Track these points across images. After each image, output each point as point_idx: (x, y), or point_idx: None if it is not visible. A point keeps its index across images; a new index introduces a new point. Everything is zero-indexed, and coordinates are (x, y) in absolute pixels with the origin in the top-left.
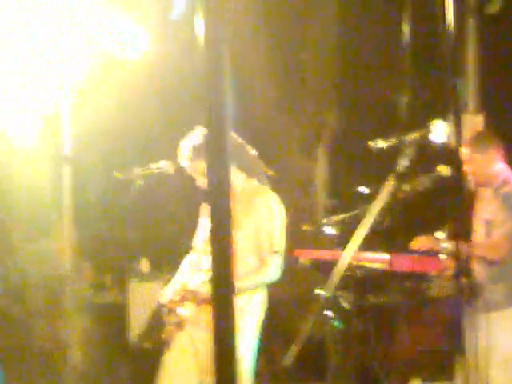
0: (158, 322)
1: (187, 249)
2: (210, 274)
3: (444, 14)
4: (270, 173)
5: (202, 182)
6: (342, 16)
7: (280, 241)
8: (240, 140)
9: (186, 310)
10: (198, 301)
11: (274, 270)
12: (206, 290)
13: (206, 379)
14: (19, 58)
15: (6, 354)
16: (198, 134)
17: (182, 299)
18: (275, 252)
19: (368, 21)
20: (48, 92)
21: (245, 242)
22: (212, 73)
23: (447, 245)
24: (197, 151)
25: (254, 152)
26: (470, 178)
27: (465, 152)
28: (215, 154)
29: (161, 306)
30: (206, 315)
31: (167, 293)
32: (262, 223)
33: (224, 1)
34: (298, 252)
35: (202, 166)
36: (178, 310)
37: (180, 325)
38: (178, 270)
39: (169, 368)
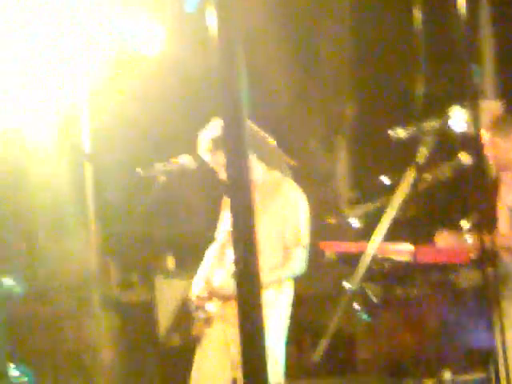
0: (186, 319)
1: (211, 243)
2: (233, 269)
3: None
4: (293, 163)
5: (223, 174)
6: (356, 7)
7: (305, 233)
8: (260, 131)
9: (214, 307)
10: (226, 297)
11: (299, 264)
12: (232, 286)
13: (239, 375)
14: (38, 59)
15: (35, 356)
16: (216, 126)
17: (210, 295)
18: (301, 245)
19: (382, 11)
20: (67, 91)
21: (269, 236)
22: (226, 66)
23: (470, 238)
24: (216, 143)
25: (274, 143)
26: (491, 163)
27: (485, 137)
28: (233, 145)
29: (189, 303)
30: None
31: (194, 289)
32: (285, 216)
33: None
34: (323, 245)
35: (222, 157)
36: (206, 306)
37: (208, 321)
38: (202, 264)
39: (201, 365)
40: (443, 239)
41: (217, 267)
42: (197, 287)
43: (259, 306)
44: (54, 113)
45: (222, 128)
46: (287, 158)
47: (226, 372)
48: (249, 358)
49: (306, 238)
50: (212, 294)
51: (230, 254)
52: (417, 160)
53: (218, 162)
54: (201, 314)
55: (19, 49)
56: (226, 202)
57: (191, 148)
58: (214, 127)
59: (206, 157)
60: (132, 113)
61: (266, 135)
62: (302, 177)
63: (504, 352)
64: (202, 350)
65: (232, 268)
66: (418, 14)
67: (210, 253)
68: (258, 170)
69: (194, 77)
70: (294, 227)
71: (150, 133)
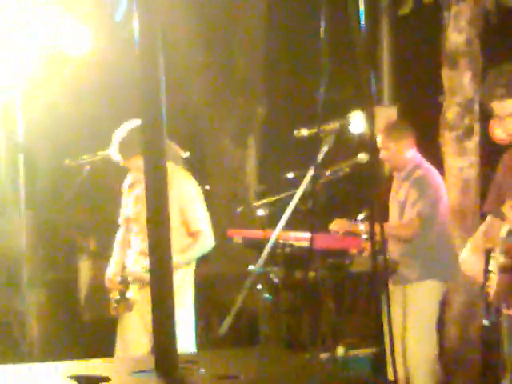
0: (103, 299)
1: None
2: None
3: (358, 14)
4: (186, 155)
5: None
6: (267, 16)
7: (204, 217)
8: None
9: (132, 293)
10: (143, 282)
11: (203, 245)
12: (147, 273)
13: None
14: None
15: None
16: (126, 127)
17: (124, 281)
18: (201, 229)
19: (292, 19)
20: (2, 86)
21: (174, 223)
22: (147, 70)
23: (364, 226)
24: (123, 145)
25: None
26: (385, 164)
27: (380, 140)
28: (152, 141)
29: (109, 288)
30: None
31: (108, 273)
32: (182, 204)
33: (157, 4)
34: (231, 232)
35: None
36: (126, 293)
37: (129, 306)
38: (115, 249)
39: (123, 335)
40: (338, 226)
41: (125, 252)
42: (110, 271)
43: (169, 285)
44: None
45: (141, 127)
46: (180, 149)
47: (145, 340)
48: (161, 334)
49: (205, 221)
50: (129, 281)
51: (135, 240)
52: (318, 158)
53: (126, 159)
54: (115, 298)
55: None
56: (125, 190)
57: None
58: (125, 129)
59: (114, 151)
60: (62, 108)
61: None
62: (215, 171)
63: (390, 330)
64: (121, 322)
65: (138, 252)
66: (323, 25)
67: (118, 238)
68: None
69: (119, 76)
70: (193, 213)
71: (79, 127)
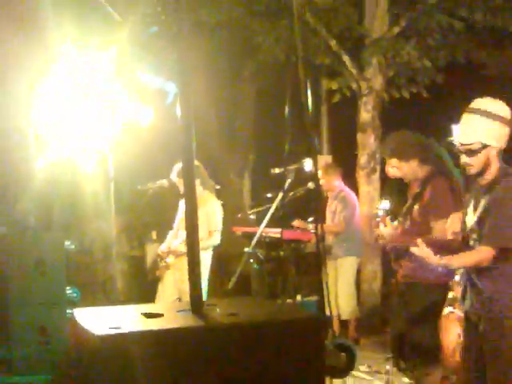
0: (157, 264)
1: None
2: (184, 240)
3: (307, 102)
4: (217, 187)
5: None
6: (255, 99)
7: (219, 223)
8: (198, 164)
9: (170, 259)
10: (177, 254)
11: (215, 238)
12: (180, 249)
13: (182, 294)
14: (89, 122)
15: (83, 283)
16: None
17: (168, 253)
18: (216, 229)
19: (270, 103)
20: (102, 140)
21: (201, 224)
22: (185, 132)
23: (312, 225)
24: (178, 173)
25: (205, 171)
26: (323, 188)
27: (320, 174)
28: (187, 174)
29: (158, 256)
30: (182, 263)
31: (161, 248)
32: (209, 215)
33: (190, 97)
34: (235, 228)
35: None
36: (166, 259)
37: (167, 267)
38: (167, 237)
39: (162, 286)
40: (298, 224)
41: (174, 239)
42: (163, 247)
43: (198, 259)
44: (94, 151)
45: (182, 168)
46: (213, 182)
47: (174, 291)
48: (192, 284)
49: (219, 225)
50: (170, 252)
51: (182, 233)
52: (285, 185)
53: (180, 182)
54: (163, 263)
55: (79, 112)
56: (181, 204)
57: (167, 175)
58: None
59: (176, 179)
60: (135, 155)
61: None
62: (226, 192)
63: (326, 283)
64: (163, 281)
65: (183, 239)
66: (287, 108)
67: (171, 231)
68: (198, 188)
69: (169, 136)
70: (214, 220)
71: (145, 166)
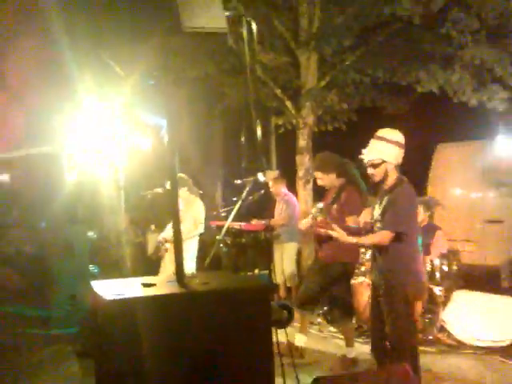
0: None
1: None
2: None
3: (257, 134)
4: (200, 192)
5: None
6: (224, 131)
7: (202, 218)
8: (186, 177)
9: (167, 245)
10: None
11: (200, 228)
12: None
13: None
14: (106, 147)
15: (101, 262)
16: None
17: (165, 240)
18: (201, 222)
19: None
20: (115, 156)
21: (190, 219)
22: (170, 155)
23: (266, 220)
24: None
25: (191, 181)
26: (273, 193)
27: (270, 185)
28: (172, 182)
29: (158, 242)
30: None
31: (160, 237)
32: (194, 213)
33: (177, 128)
34: (211, 222)
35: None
36: (165, 245)
37: (166, 250)
38: (165, 229)
39: (163, 264)
40: (255, 221)
41: (169, 230)
42: (161, 236)
43: (181, 246)
44: (110, 167)
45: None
46: (197, 188)
47: (171, 267)
48: (177, 263)
49: (202, 220)
50: (167, 240)
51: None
52: (244, 192)
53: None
54: (164, 248)
55: (99, 140)
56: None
57: (162, 184)
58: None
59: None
60: (138, 170)
61: (189, 178)
62: (205, 196)
63: (273, 264)
64: (164, 260)
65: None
66: (242, 139)
67: (169, 225)
68: (184, 192)
69: (160, 157)
70: (199, 216)
71: (144, 178)
